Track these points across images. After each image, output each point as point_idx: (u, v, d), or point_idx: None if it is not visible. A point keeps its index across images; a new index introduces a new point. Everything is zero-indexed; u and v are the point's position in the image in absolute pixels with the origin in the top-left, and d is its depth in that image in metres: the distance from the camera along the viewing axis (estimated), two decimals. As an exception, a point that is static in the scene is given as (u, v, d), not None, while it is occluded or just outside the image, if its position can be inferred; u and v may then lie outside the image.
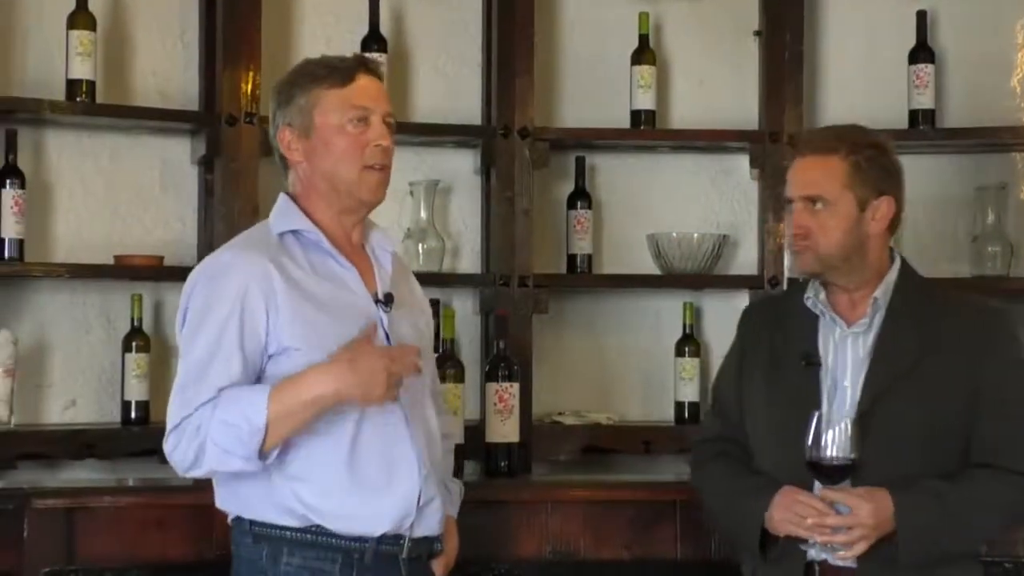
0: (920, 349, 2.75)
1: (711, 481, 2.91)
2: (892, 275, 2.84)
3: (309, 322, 2.49)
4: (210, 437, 2.42)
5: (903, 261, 2.88)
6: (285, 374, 2.46)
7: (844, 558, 2.68)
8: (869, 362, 2.77)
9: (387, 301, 2.58)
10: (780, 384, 2.82)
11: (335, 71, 2.57)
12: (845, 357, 2.80)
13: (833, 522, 2.66)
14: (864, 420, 2.70)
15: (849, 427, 2.66)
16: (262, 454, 2.42)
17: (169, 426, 2.48)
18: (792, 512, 2.69)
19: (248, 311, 2.47)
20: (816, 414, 2.67)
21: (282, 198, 2.64)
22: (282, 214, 2.60)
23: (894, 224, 2.85)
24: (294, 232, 2.58)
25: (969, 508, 2.69)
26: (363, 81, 2.57)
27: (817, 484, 2.71)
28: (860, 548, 2.67)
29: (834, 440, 2.65)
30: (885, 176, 2.81)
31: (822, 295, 2.85)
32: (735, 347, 2.97)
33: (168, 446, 2.48)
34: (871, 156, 2.80)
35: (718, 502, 2.89)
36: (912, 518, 2.66)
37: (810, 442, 2.66)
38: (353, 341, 2.47)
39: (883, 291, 2.82)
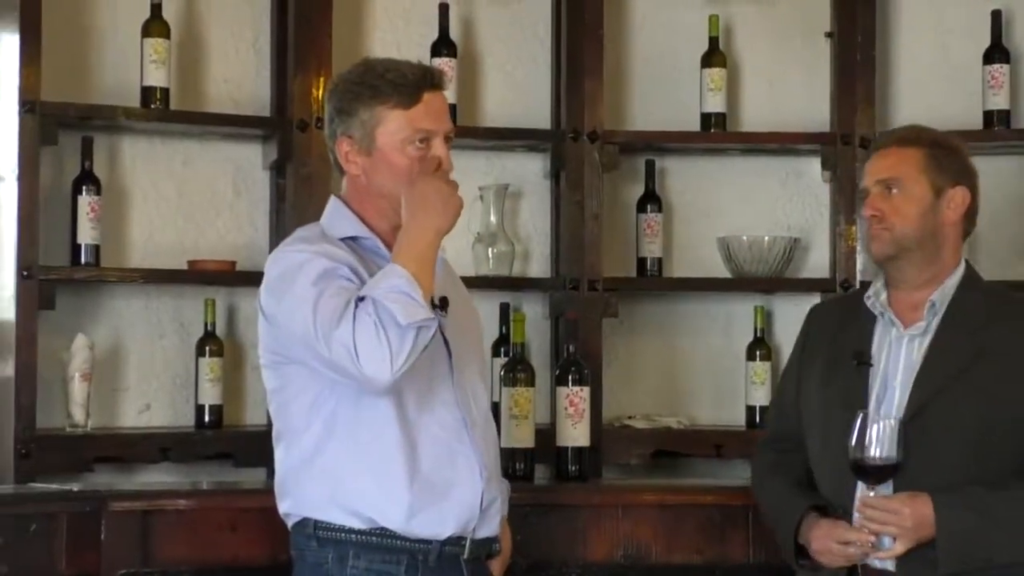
0: (974, 353, 2.75)
1: (760, 490, 2.98)
2: (954, 278, 2.84)
3: None
4: (380, 313, 2.36)
5: (968, 265, 2.88)
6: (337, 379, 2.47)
7: (883, 558, 2.68)
8: (920, 365, 2.76)
9: (443, 305, 2.58)
10: (833, 384, 2.83)
11: (400, 90, 2.54)
12: (898, 359, 2.80)
13: (875, 528, 2.66)
14: (911, 423, 2.69)
15: (894, 427, 2.65)
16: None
17: (324, 328, 2.39)
18: (829, 549, 2.71)
19: (351, 268, 2.49)
20: (861, 414, 2.67)
21: (335, 203, 2.64)
22: (338, 219, 2.61)
23: (968, 220, 2.85)
24: (352, 238, 2.59)
25: (1018, 517, 2.67)
26: (427, 98, 2.56)
27: (860, 485, 2.70)
28: (899, 549, 2.66)
29: (878, 440, 2.64)
30: (961, 170, 2.84)
31: (883, 296, 2.85)
32: (797, 347, 3.00)
33: (359, 366, 2.37)
34: (948, 152, 2.83)
35: (765, 511, 2.96)
36: (952, 523, 2.64)
37: (854, 442, 2.65)
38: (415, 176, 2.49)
39: (941, 295, 2.81)
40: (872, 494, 2.68)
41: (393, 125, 2.55)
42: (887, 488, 2.70)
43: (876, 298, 2.86)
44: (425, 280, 2.42)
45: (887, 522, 2.66)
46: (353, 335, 2.37)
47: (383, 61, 2.63)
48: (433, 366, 2.55)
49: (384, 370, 2.38)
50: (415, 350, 2.40)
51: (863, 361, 2.79)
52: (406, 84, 2.56)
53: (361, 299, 2.40)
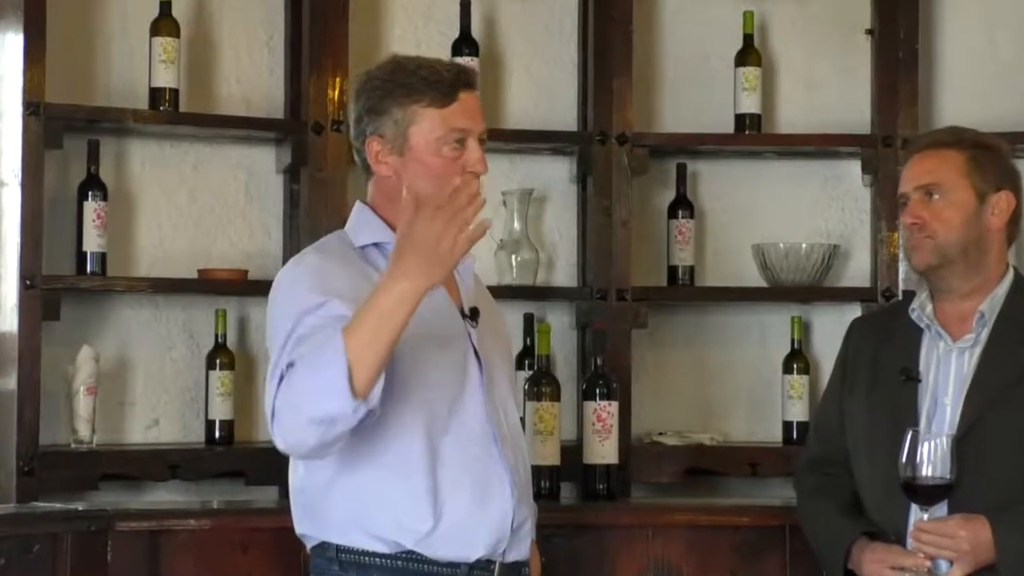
0: None
1: (804, 515, 2.97)
2: (1003, 287, 2.82)
3: (403, 339, 2.46)
4: (296, 384, 2.30)
5: (1016, 272, 2.86)
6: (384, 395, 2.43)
7: None
8: (972, 378, 2.74)
9: (473, 316, 2.59)
10: (879, 402, 2.82)
11: (434, 88, 2.55)
12: (948, 373, 2.78)
13: (930, 552, 2.64)
14: (964, 440, 2.68)
15: (946, 444, 2.63)
16: (356, 390, 2.27)
17: (268, 407, 2.36)
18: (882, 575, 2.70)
19: (359, 288, 2.44)
20: (911, 431, 2.65)
21: (360, 208, 2.63)
22: (362, 225, 2.60)
23: (1013, 224, 2.83)
24: (376, 244, 2.58)
25: None
26: (463, 98, 2.56)
27: (914, 508, 2.69)
28: (957, 574, 2.65)
29: (930, 459, 2.63)
30: (1005, 172, 2.83)
31: (928, 308, 2.84)
32: (838, 364, 2.99)
33: (272, 429, 2.35)
34: (989, 154, 2.81)
35: (810, 537, 2.94)
36: (1013, 545, 2.63)
37: (904, 461, 2.64)
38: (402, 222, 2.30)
39: (990, 305, 2.79)
40: (926, 516, 2.65)
41: (427, 124, 2.55)
42: (941, 509, 2.68)
43: (921, 310, 2.84)
44: (371, 356, 2.27)
45: (943, 546, 2.64)
46: (274, 399, 2.35)
47: (413, 59, 2.63)
48: (464, 378, 2.55)
49: (287, 449, 2.38)
50: (324, 445, 2.33)
51: (911, 377, 2.77)
52: (441, 82, 2.56)
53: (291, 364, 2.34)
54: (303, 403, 2.31)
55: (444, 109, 2.55)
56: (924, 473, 2.63)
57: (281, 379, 2.36)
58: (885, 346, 2.86)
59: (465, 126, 2.56)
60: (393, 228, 2.55)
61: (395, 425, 2.48)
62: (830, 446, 2.93)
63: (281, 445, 2.38)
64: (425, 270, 2.27)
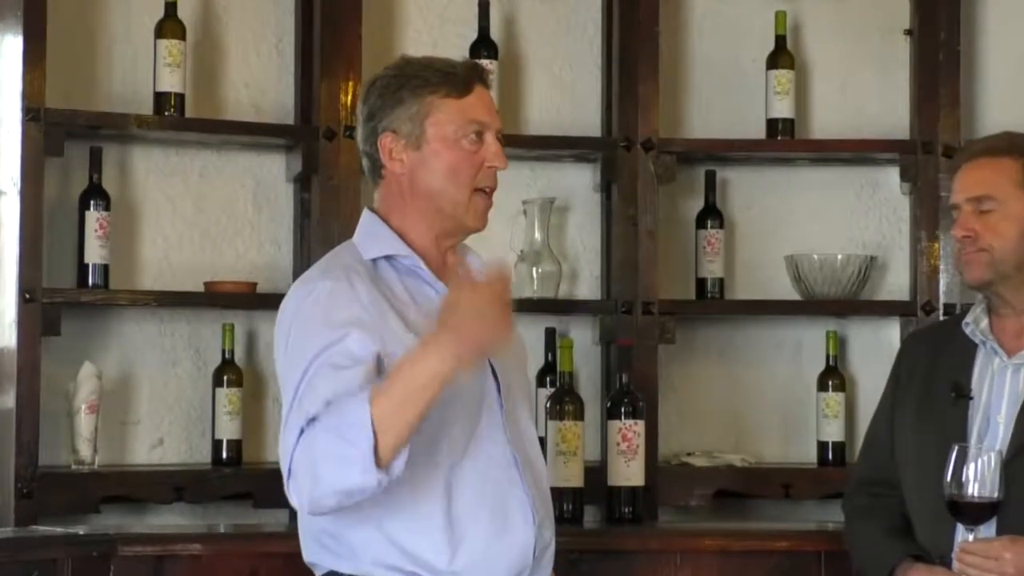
0: None
1: (850, 536, 2.95)
2: (1060, 300, 2.81)
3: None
4: (318, 449, 2.32)
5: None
6: None
7: None
8: None
9: None
10: (929, 420, 2.82)
11: (450, 78, 2.54)
12: (1002, 390, 2.78)
13: (975, 575, 2.63)
14: (1015, 460, 2.67)
15: (994, 461, 2.62)
16: (380, 461, 2.31)
17: (284, 463, 2.38)
18: None
19: (366, 325, 2.43)
20: (956, 448, 2.64)
21: (369, 217, 2.61)
22: (372, 236, 2.58)
23: None
24: (387, 256, 2.56)
25: None
26: (478, 91, 2.56)
27: (960, 528, 2.68)
28: None
29: (977, 476, 2.62)
30: None
31: (983, 323, 2.82)
32: (890, 382, 2.99)
33: (287, 485, 2.38)
34: None
35: (855, 559, 2.93)
36: None
37: (949, 478, 2.62)
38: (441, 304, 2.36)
39: None
40: (972, 537, 2.64)
41: (444, 115, 2.54)
42: (989, 530, 2.67)
43: (976, 325, 2.83)
44: (398, 428, 2.30)
45: (987, 568, 2.63)
46: (292, 455, 2.36)
47: (421, 57, 2.64)
48: (483, 398, 2.53)
49: (302, 509, 2.40)
50: (342, 508, 2.38)
51: (962, 394, 2.76)
52: (456, 73, 2.56)
53: (314, 418, 2.35)
54: (325, 473, 2.32)
55: (461, 100, 2.54)
56: (970, 491, 2.62)
57: (301, 432, 2.35)
58: (938, 362, 2.86)
59: (483, 119, 2.56)
60: (403, 237, 2.55)
61: (411, 447, 2.44)
62: (880, 465, 2.93)
63: (296, 503, 2.39)
64: (459, 343, 2.31)
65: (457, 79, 2.55)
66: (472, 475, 2.49)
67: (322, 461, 2.32)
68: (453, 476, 2.48)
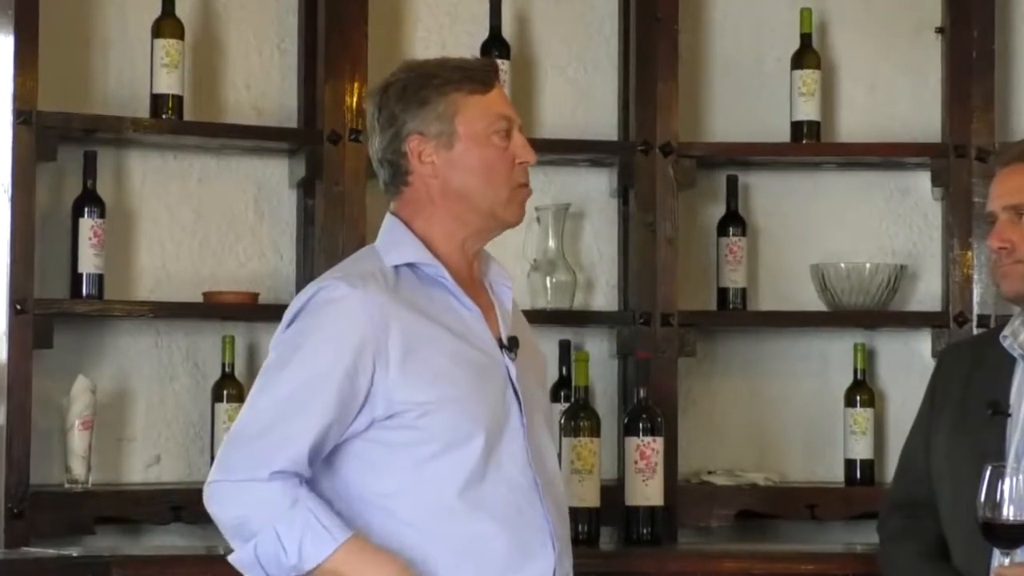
0: None
1: (884, 560, 2.95)
2: (1103, 313, 2.80)
3: (433, 374, 2.47)
4: (276, 530, 2.39)
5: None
6: (408, 440, 2.44)
7: None
8: None
9: (512, 346, 2.57)
10: (964, 436, 2.82)
11: (471, 74, 2.56)
12: None
13: None
14: None
15: None
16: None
17: (222, 472, 2.44)
18: None
19: (358, 367, 2.44)
20: (989, 467, 2.63)
21: (393, 222, 2.60)
22: (395, 242, 2.57)
23: None
24: (409, 264, 2.56)
25: None
26: (498, 87, 2.59)
27: (996, 552, 2.66)
28: None
29: (1012, 497, 2.60)
30: None
31: (1022, 335, 2.81)
32: (926, 397, 2.98)
33: (216, 498, 2.44)
34: None
35: None
36: None
37: (983, 499, 2.61)
38: None
39: None
40: (1007, 561, 2.63)
41: (472, 112, 2.55)
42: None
43: (1014, 338, 2.82)
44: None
45: None
46: (244, 480, 2.42)
47: (429, 59, 2.65)
48: (505, 419, 2.52)
49: (221, 520, 2.47)
50: (244, 556, 2.45)
51: (999, 411, 2.75)
52: (474, 69, 2.58)
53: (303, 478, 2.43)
54: (243, 525, 2.42)
55: (486, 96, 2.56)
56: (1005, 513, 2.60)
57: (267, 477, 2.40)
58: (974, 376, 2.85)
59: (509, 114, 2.58)
60: (427, 243, 2.55)
61: (429, 471, 2.46)
62: (915, 486, 2.92)
63: (205, 500, 2.46)
64: None
65: (478, 75, 2.57)
66: (491, 500, 2.49)
67: (270, 537, 2.40)
68: (472, 501, 2.48)
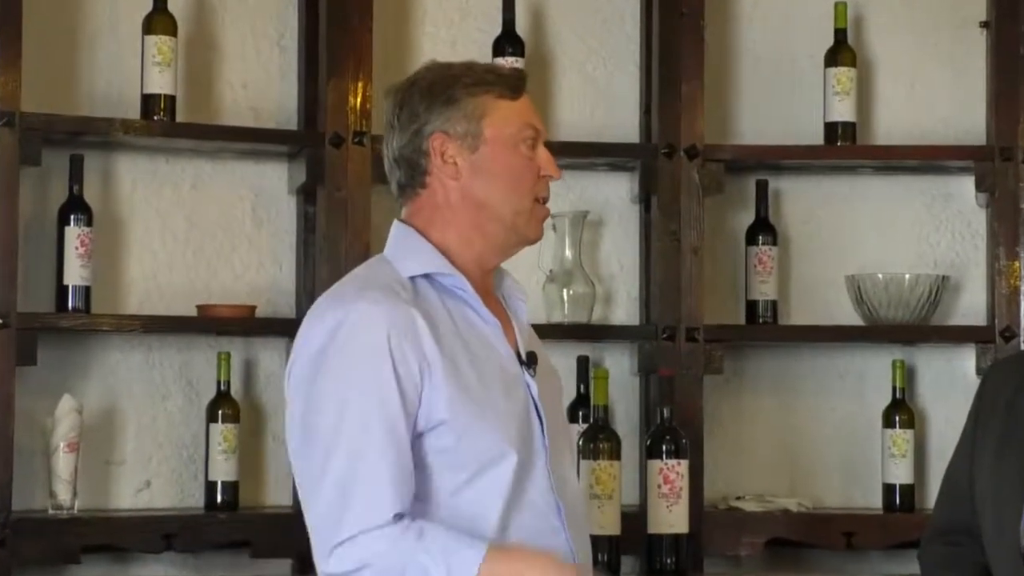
0: None
1: None
2: None
3: (464, 389, 2.45)
4: (419, 561, 2.36)
5: None
6: (444, 464, 2.44)
7: None
8: None
9: (531, 362, 2.57)
10: (1009, 459, 2.81)
11: (502, 79, 2.57)
12: None
13: None
14: None
15: None
16: None
17: (337, 536, 2.38)
18: None
19: (405, 381, 2.42)
20: None
21: (404, 229, 2.58)
22: (410, 251, 2.56)
23: None
24: (426, 275, 2.54)
25: None
26: (526, 97, 2.59)
27: None
28: None
29: None
30: None
31: (1073, 352, 2.81)
32: (970, 417, 2.98)
33: (347, 557, 2.38)
34: None
35: None
36: None
37: None
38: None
39: None
40: None
41: (501, 116, 2.55)
42: None
43: None
44: None
45: None
46: (353, 536, 2.37)
47: (455, 61, 2.64)
48: (530, 440, 2.52)
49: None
50: None
51: None
52: (505, 74, 2.60)
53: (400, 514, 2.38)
54: (388, 570, 2.36)
55: (515, 103, 2.57)
56: None
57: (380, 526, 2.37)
58: (1019, 395, 2.83)
59: (537, 124, 2.59)
60: (444, 252, 2.54)
61: (457, 500, 2.45)
62: (958, 511, 2.92)
63: (337, 570, 2.40)
64: None
65: (509, 80, 2.58)
66: (515, 527, 2.48)
67: (405, 563, 2.36)
68: (506, 530, 2.47)
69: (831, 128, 4.07)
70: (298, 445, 2.46)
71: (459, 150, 2.54)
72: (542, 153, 2.58)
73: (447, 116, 2.54)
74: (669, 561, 3.64)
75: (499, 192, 2.55)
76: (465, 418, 2.44)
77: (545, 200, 2.59)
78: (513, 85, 2.57)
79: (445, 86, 2.55)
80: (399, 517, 2.37)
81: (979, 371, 3.95)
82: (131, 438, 3.89)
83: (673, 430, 3.67)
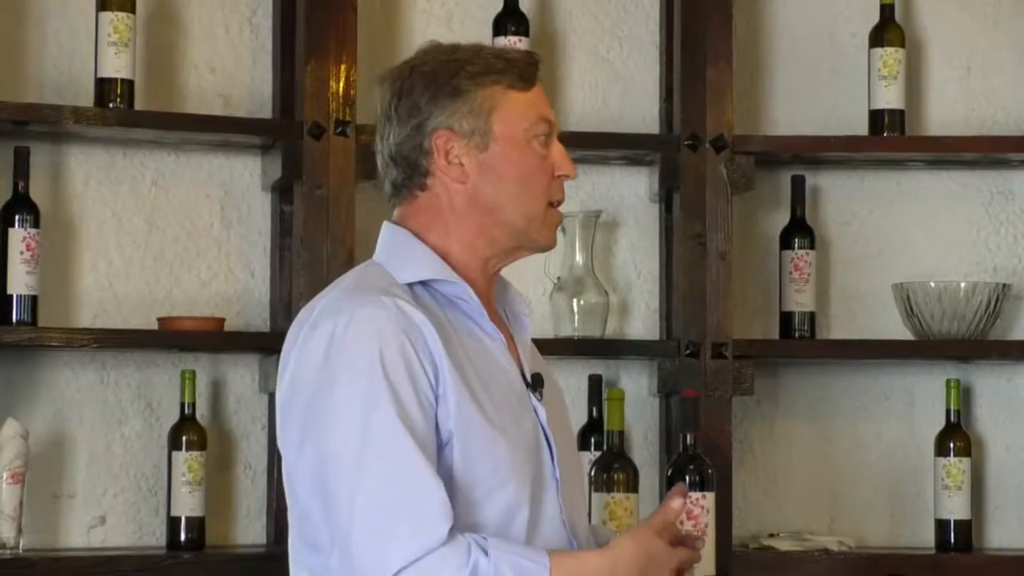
0: None
1: None
2: None
3: (474, 404, 2.45)
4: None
5: None
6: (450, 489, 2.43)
7: None
8: None
9: (536, 385, 2.57)
10: None
11: (513, 65, 2.56)
12: None
13: None
14: None
15: None
16: None
17: (389, 566, 2.37)
18: None
19: (422, 389, 2.41)
20: None
21: (398, 232, 2.58)
22: (407, 255, 2.55)
23: None
24: (423, 282, 2.54)
25: None
26: (540, 87, 2.59)
27: None
28: None
29: None
30: None
31: None
32: None
33: None
34: None
35: None
36: None
37: None
38: (641, 530, 2.54)
39: None
40: None
41: (512, 109, 2.55)
42: None
43: None
44: None
45: None
46: (419, 558, 2.34)
47: (460, 44, 2.63)
48: (540, 470, 2.52)
49: None
50: None
51: None
52: (516, 60, 2.58)
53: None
54: None
55: (527, 94, 2.56)
56: None
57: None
58: None
59: (551, 118, 2.58)
60: (444, 256, 2.54)
61: (467, 531, 2.44)
62: None
63: None
64: None
65: (520, 67, 2.56)
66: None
67: None
68: None
69: (876, 117, 4.08)
70: (310, 480, 2.43)
71: (466, 149, 2.54)
72: (556, 150, 2.58)
73: (452, 110, 2.54)
74: (693, 608, 3.63)
75: (510, 196, 2.55)
76: (469, 437, 2.43)
77: (559, 203, 2.59)
78: (525, 74, 2.56)
79: (450, 75, 2.55)
80: (452, 533, 2.36)
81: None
82: (83, 468, 3.88)
83: (698, 459, 3.66)
